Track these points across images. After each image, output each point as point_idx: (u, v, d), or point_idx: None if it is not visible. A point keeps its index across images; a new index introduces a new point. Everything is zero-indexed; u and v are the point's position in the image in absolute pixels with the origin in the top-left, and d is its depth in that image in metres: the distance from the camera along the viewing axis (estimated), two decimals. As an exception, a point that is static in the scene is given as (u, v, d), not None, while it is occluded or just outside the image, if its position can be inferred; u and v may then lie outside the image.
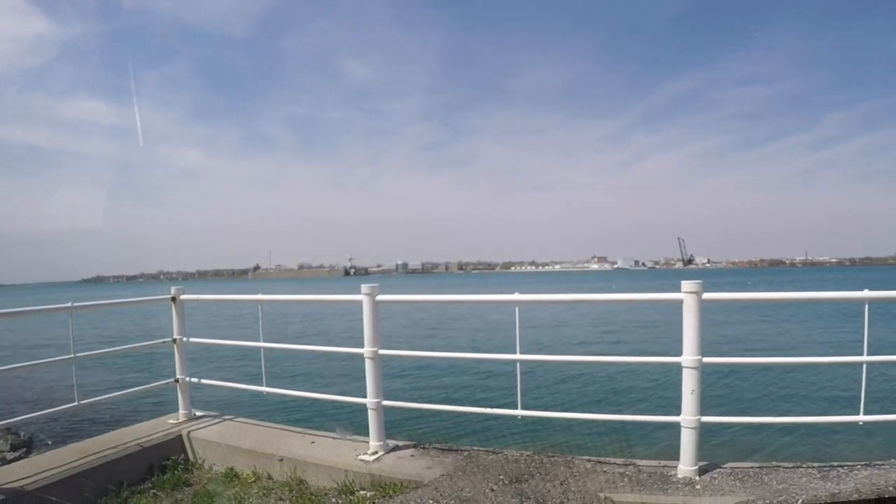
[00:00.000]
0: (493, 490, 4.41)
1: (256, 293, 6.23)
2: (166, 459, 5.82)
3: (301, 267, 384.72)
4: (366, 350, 5.29)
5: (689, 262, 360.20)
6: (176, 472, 5.70)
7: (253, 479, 5.42)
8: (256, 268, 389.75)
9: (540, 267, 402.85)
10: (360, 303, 5.37)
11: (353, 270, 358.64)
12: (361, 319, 5.29)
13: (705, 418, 4.55)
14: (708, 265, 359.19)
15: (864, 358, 4.51)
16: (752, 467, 4.59)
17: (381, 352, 5.34)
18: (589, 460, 4.89)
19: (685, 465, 4.52)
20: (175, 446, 6.04)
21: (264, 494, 5.08)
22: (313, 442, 5.76)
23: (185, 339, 6.52)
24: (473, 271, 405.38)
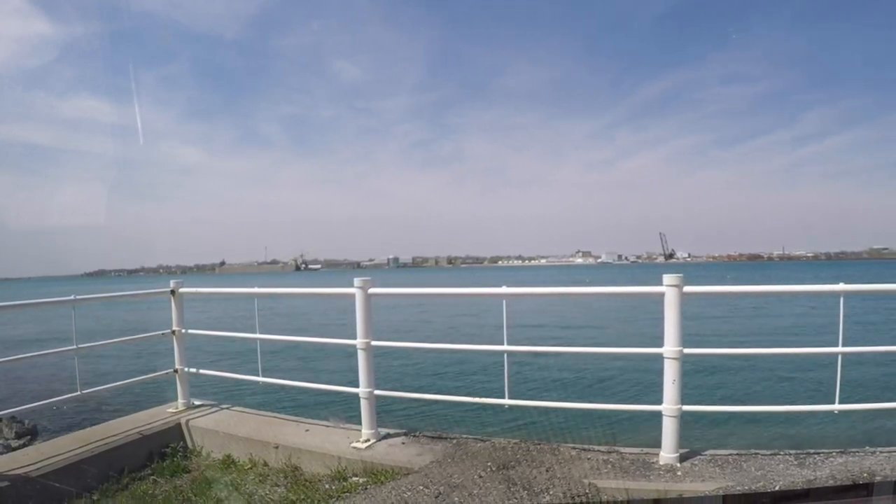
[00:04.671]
0: (481, 476, 4.40)
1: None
2: (166, 447, 5.80)
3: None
4: (358, 341, 5.28)
5: (671, 256, 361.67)
6: (175, 459, 5.69)
7: (249, 465, 5.42)
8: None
9: (526, 261, 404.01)
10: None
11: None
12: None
13: (686, 407, 4.56)
14: (689, 259, 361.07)
15: (839, 349, 4.53)
16: (731, 454, 4.60)
17: (374, 343, 5.33)
18: (574, 448, 4.89)
19: (667, 453, 4.53)
20: (174, 434, 6.03)
21: (260, 481, 5.07)
22: (307, 430, 5.74)
23: (183, 330, 6.50)
24: (462, 265, 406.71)
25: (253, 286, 6.28)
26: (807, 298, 35.04)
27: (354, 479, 4.81)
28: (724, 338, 22.90)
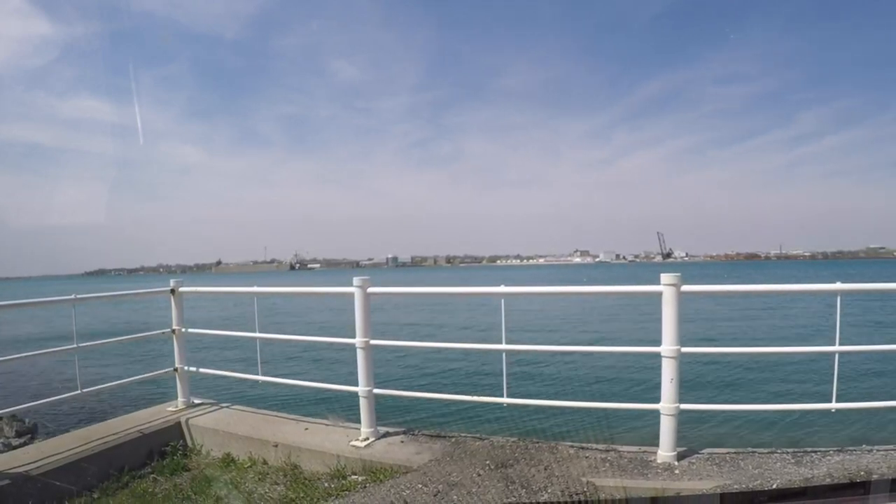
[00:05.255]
0: (479, 475, 4.40)
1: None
2: (165, 445, 5.80)
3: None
4: (357, 340, 5.27)
5: (668, 255, 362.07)
6: (175, 457, 5.69)
7: (249, 464, 5.41)
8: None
9: (525, 260, 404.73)
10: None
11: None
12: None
13: (684, 406, 4.56)
14: (686, 259, 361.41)
15: (836, 348, 4.53)
16: (728, 453, 4.60)
17: (372, 342, 5.32)
18: (572, 446, 4.89)
19: (664, 451, 4.53)
20: (174, 433, 6.03)
21: (260, 479, 5.07)
22: (307, 429, 5.74)
23: (183, 329, 6.50)
24: (461, 264, 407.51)
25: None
26: (803, 297, 35.02)
27: (353, 477, 4.81)
28: (721, 336, 22.87)
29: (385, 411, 6.15)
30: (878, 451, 4.50)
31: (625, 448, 4.85)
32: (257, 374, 6.13)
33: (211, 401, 6.68)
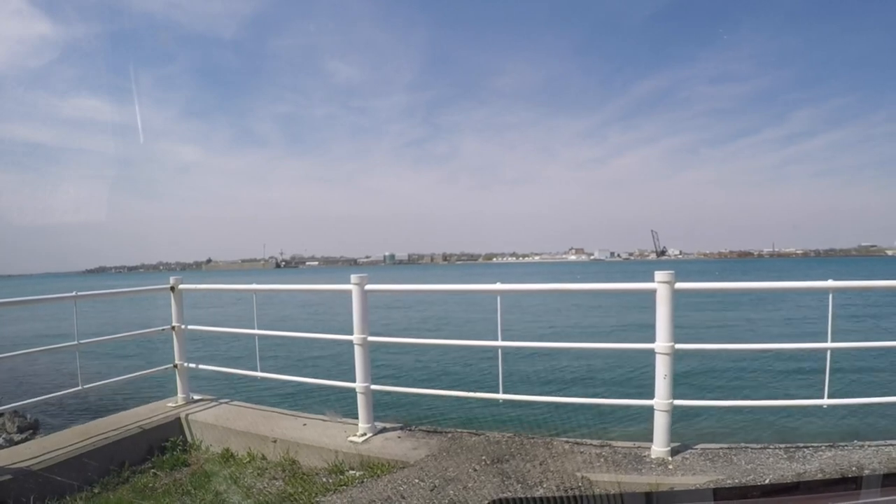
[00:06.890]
0: (475, 470, 4.40)
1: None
2: (165, 441, 5.80)
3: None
4: (355, 337, 5.27)
5: (663, 253, 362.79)
6: (175, 452, 5.68)
7: (248, 459, 5.41)
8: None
9: (520, 258, 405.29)
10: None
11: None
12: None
13: (677, 402, 4.56)
14: (680, 256, 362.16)
15: (829, 345, 4.54)
16: (721, 448, 4.61)
17: (370, 338, 5.32)
18: (567, 442, 4.89)
19: (658, 447, 4.53)
20: (174, 428, 6.02)
21: (259, 474, 5.06)
22: (305, 424, 5.74)
23: (183, 326, 6.49)
24: (457, 262, 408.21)
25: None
26: (798, 294, 35.09)
27: (351, 472, 4.81)
28: (715, 333, 22.88)
29: (382, 407, 6.15)
30: (869, 446, 4.51)
31: (619, 443, 4.85)
32: (256, 370, 6.12)
33: (210, 397, 6.67)
